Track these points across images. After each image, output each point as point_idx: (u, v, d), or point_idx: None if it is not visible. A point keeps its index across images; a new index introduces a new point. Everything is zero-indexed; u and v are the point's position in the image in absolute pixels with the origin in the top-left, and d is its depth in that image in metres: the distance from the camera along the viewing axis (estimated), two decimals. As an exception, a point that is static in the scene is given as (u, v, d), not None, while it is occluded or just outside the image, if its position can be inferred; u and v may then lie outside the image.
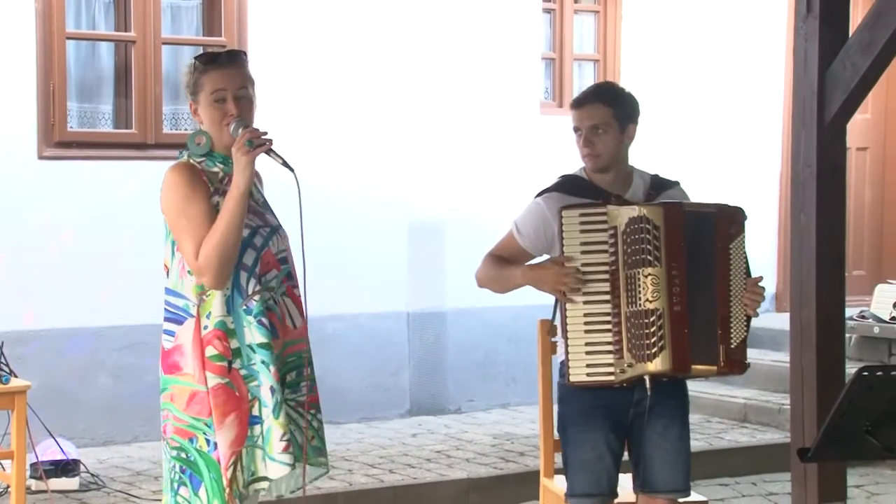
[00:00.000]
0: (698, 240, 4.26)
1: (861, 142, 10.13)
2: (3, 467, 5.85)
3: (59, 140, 7.09)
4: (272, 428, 3.80)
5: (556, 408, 4.63)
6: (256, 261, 3.85)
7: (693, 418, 7.87)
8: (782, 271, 9.32)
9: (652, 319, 4.13)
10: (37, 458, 5.93)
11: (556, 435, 4.75)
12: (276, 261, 3.94)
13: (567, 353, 4.24)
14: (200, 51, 7.61)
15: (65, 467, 6.07)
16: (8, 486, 5.77)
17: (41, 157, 7.04)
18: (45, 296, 6.92)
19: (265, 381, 3.80)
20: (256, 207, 3.96)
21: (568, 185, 4.42)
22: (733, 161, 9.26)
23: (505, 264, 4.42)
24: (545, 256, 4.46)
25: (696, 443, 7.49)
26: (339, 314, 7.84)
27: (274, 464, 3.82)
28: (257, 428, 3.82)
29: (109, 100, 7.47)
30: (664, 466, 4.34)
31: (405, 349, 8.22)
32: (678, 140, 9.11)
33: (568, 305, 4.21)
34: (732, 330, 4.30)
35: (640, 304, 4.14)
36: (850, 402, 3.68)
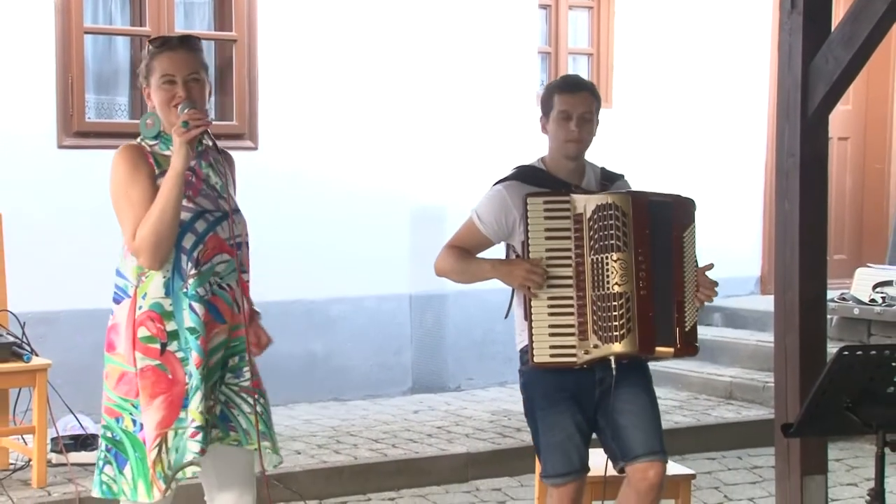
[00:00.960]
0: (659, 227, 4.26)
1: (842, 132, 10.13)
2: (25, 441, 5.88)
3: (77, 130, 7.10)
4: (189, 414, 3.70)
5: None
6: (196, 244, 3.74)
7: (681, 396, 7.93)
8: (767, 256, 9.34)
9: (620, 302, 4.13)
10: (57, 432, 5.95)
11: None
12: (229, 247, 3.81)
13: (531, 336, 4.21)
14: (213, 45, 7.63)
15: (84, 441, 6.08)
16: (30, 460, 5.79)
17: (60, 146, 7.05)
18: (64, 278, 6.93)
19: (191, 361, 3.70)
20: (208, 191, 3.84)
21: (527, 175, 4.40)
22: (721, 151, 9.27)
23: (469, 256, 4.40)
24: (502, 246, 4.44)
25: (685, 419, 7.53)
26: (345, 297, 7.85)
27: (186, 451, 3.70)
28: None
29: (125, 92, 7.47)
30: (638, 431, 4.29)
31: (407, 330, 8.23)
32: (668, 131, 9.11)
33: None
34: (687, 314, 4.29)
35: (608, 288, 4.14)
36: (832, 380, 3.69)
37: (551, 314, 4.19)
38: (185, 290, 3.72)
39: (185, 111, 3.71)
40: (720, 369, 8.18)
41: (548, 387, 4.29)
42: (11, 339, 5.75)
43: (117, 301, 3.79)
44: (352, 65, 7.89)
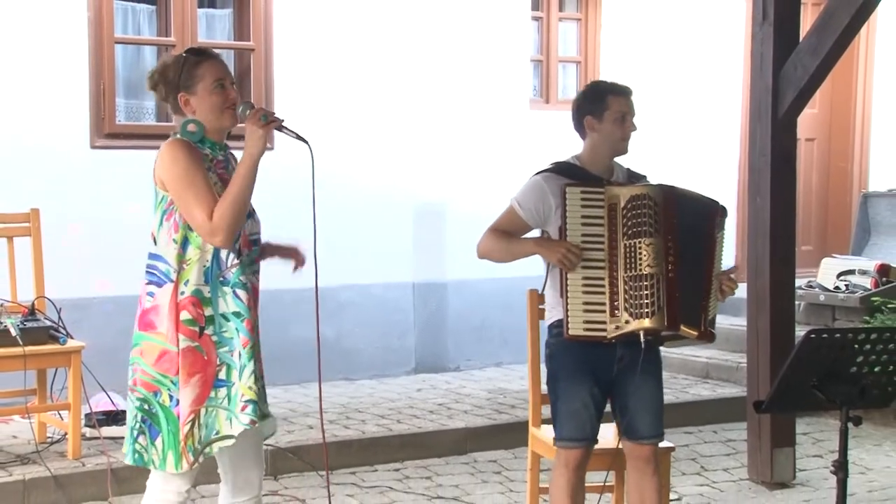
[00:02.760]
0: (690, 220, 4.29)
1: (809, 133, 10.14)
2: (61, 417, 5.89)
3: (108, 132, 7.09)
4: (239, 390, 3.68)
5: (542, 366, 4.63)
6: (238, 236, 3.72)
7: (662, 374, 7.91)
8: (741, 247, 9.33)
9: (651, 283, 4.15)
10: (90, 409, 5.96)
11: (543, 389, 4.78)
12: (249, 241, 3.81)
13: (567, 310, 4.22)
14: (232, 54, 7.62)
15: (115, 417, 6.08)
16: (66, 433, 5.80)
17: (93, 147, 7.04)
18: (96, 268, 6.93)
19: (237, 346, 3.69)
20: None
21: (563, 169, 4.43)
22: (698, 150, 9.26)
23: (511, 237, 4.42)
24: (536, 233, 4.47)
25: (665, 396, 7.49)
26: (353, 284, 7.85)
27: (237, 422, 3.69)
28: (223, 391, 3.70)
29: (152, 96, 7.34)
30: (644, 415, 4.38)
31: (411, 315, 8.23)
32: (650, 131, 9.07)
33: (568, 272, 4.23)
34: (711, 304, 4.33)
35: (639, 270, 4.16)
36: (799, 361, 3.69)
37: (585, 292, 4.21)
38: (222, 278, 3.70)
39: (251, 109, 3.71)
40: (697, 351, 8.18)
41: (571, 360, 4.33)
42: (49, 323, 5.76)
43: (158, 284, 3.72)
44: (360, 73, 7.89)
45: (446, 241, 8.24)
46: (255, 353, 3.74)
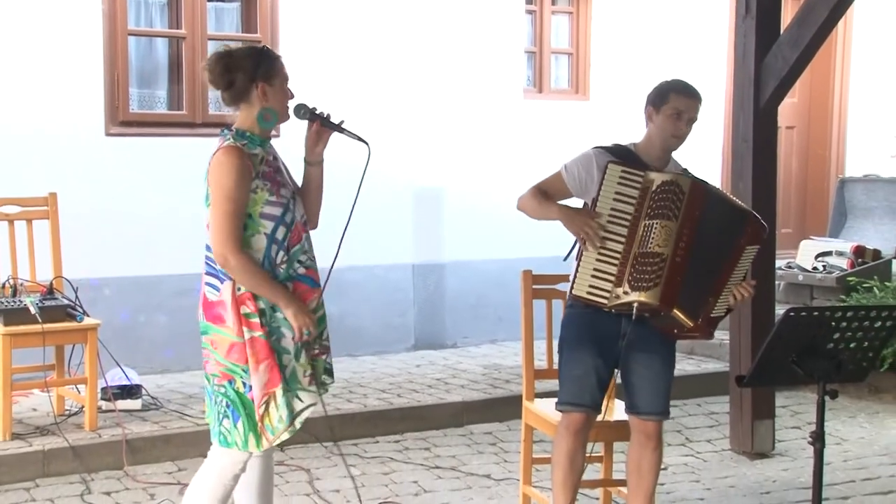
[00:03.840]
0: (716, 219, 4.25)
1: (789, 121, 10.13)
2: (78, 390, 5.89)
3: (122, 120, 7.07)
4: (296, 369, 3.82)
5: (535, 342, 4.64)
6: (286, 235, 3.81)
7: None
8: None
9: (656, 261, 4.15)
10: (106, 383, 5.97)
11: (536, 365, 4.78)
12: (302, 225, 3.91)
13: (577, 271, 4.23)
14: (240, 45, 7.58)
15: (129, 391, 6.09)
16: (83, 406, 5.81)
17: (108, 134, 7.02)
18: (111, 250, 6.93)
19: (287, 333, 3.78)
20: (285, 180, 3.90)
21: (617, 151, 4.44)
22: (683, 138, 9.25)
23: (546, 198, 4.41)
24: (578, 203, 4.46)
25: (671, 373, 7.51)
26: (356, 265, 7.82)
27: (305, 394, 3.85)
28: (283, 374, 3.81)
29: (164, 86, 7.44)
30: (645, 393, 4.37)
31: (410, 294, 8.23)
32: (638, 120, 9.07)
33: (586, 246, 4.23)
34: (717, 306, 4.30)
35: (649, 247, 4.16)
36: (779, 337, 3.70)
37: (598, 259, 4.22)
38: (272, 274, 3.77)
39: (305, 109, 3.93)
40: (682, 328, 8.19)
41: (577, 330, 4.35)
42: (66, 302, 5.76)
43: (219, 279, 3.78)
44: (362, 64, 7.87)
45: (444, 224, 8.24)
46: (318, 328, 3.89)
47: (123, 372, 6.15)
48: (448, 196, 8.23)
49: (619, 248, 4.20)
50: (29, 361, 5.90)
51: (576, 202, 4.45)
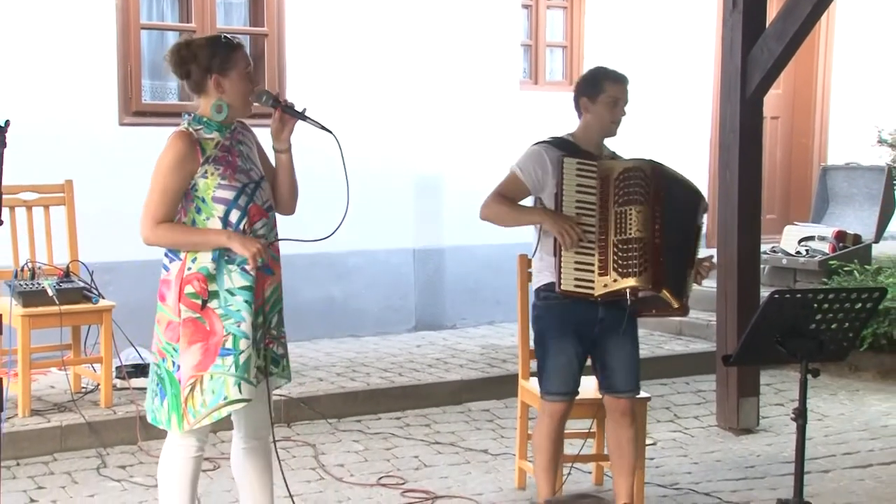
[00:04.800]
0: (676, 197, 4.26)
1: (774, 112, 10.12)
2: (94, 369, 5.90)
3: (135, 110, 7.06)
4: (251, 357, 3.66)
5: (530, 326, 4.64)
6: (241, 218, 3.67)
7: (639, 332, 7.92)
8: (711, 215, 9.30)
9: (639, 246, 4.15)
10: (121, 362, 5.97)
11: (531, 345, 4.79)
12: (264, 211, 3.76)
13: (560, 269, 4.20)
14: (248, 39, 7.58)
15: (142, 369, 6.09)
16: (98, 384, 5.82)
17: (121, 124, 7.01)
18: (125, 234, 6.87)
19: (247, 318, 3.64)
20: (243, 166, 3.73)
21: (559, 143, 4.41)
22: (673, 127, 9.23)
23: (515, 204, 4.38)
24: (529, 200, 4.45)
25: (641, 352, 7.41)
26: (359, 250, 7.85)
27: (248, 387, 3.66)
28: (229, 359, 3.64)
29: (175, 78, 7.39)
30: (621, 373, 4.40)
31: (411, 278, 8.23)
32: (629, 110, 9.06)
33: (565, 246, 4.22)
34: (688, 284, 4.32)
35: (629, 234, 4.15)
36: (764, 318, 3.70)
37: (577, 253, 4.20)
38: (227, 257, 3.65)
39: (266, 95, 3.74)
40: (671, 310, 8.20)
41: (557, 321, 4.33)
42: (82, 284, 5.76)
43: (171, 260, 3.73)
44: (364, 57, 7.85)
45: (444, 210, 8.24)
46: (269, 317, 3.76)
47: (137, 351, 6.16)
48: (447, 183, 8.22)
49: (593, 237, 4.19)
50: (47, 341, 5.91)
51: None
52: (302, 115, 3.77)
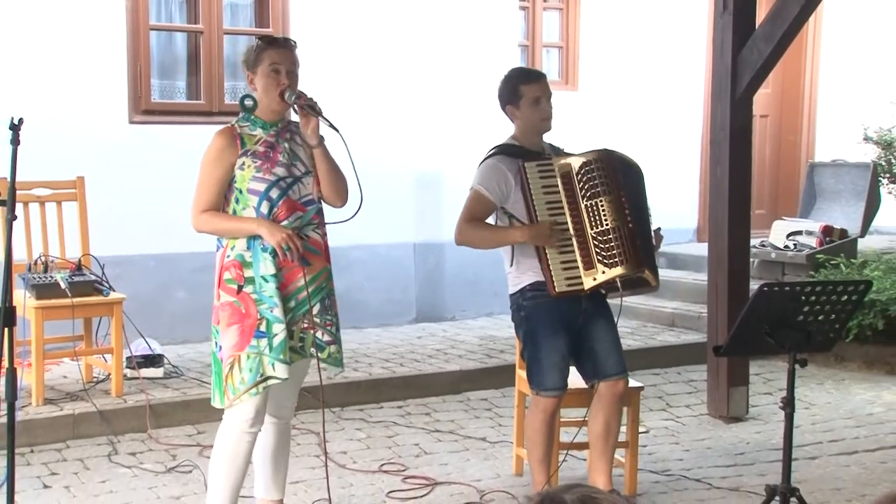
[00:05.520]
0: (630, 178, 4.28)
1: (763, 111, 10.11)
2: (105, 359, 5.91)
3: (144, 109, 7.06)
4: (284, 340, 3.75)
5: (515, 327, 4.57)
6: (271, 209, 3.77)
7: (632, 324, 7.95)
8: (703, 210, 9.34)
9: (616, 235, 4.14)
10: (131, 352, 5.98)
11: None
12: (301, 205, 3.85)
13: (550, 271, 4.19)
14: (254, 39, 7.57)
15: (152, 360, 6.10)
16: (109, 374, 5.82)
17: (131, 122, 7.01)
18: (135, 229, 6.93)
19: (278, 303, 3.73)
20: (285, 161, 3.83)
21: (508, 150, 4.39)
22: (665, 125, 9.24)
23: (489, 226, 4.35)
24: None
25: (634, 342, 7.56)
26: (362, 244, 7.84)
27: (282, 367, 3.76)
28: (263, 341, 3.74)
29: (183, 77, 7.42)
30: (610, 356, 4.37)
31: (412, 271, 8.23)
32: (624, 109, 9.07)
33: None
34: (656, 258, 4.35)
35: (604, 225, 4.15)
36: (753, 310, 3.71)
37: (560, 252, 4.20)
38: (262, 245, 3.75)
39: (296, 96, 3.80)
40: (664, 302, 8.21)
41: (548, 318, 4.29)
42: (93, 277, 5.76)
43: (217, 248, 3.86)
44: (367, 58, 7.85)
45: (443, 206, 8.22)
46: (300, 307, 3.82)
47: (147, 342, 6.17)
48: (447, 180, 8.22)
49: (569, 234, 4.19)
50: (59, 333, 5.92)
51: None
52: (318, 113, 3.84)
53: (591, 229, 4.16)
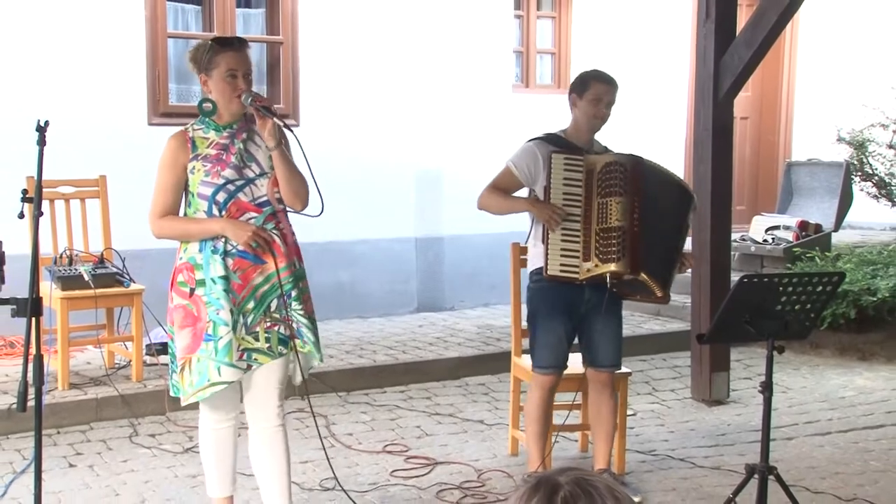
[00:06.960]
0: (656, 189, 4.24)
1: (744, 113, 10.12)
2: (126, 347, 5.91)
3: (162, 111, 7.06)
4: (231, 342, 3.54)
5: (523, 306, 4.65)
6: (220, 213, 3.57)
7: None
8: (686, 207, 9.33)
9: (618, 234, 4.14)
10: (150, 340, 5.99)
11: (523, 325, 4.80)
12: (254, 206, 3.61)
13: (547, 255, 4.22)
14: (265, 46, 7.58)
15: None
16: (130, 360, 5.83)
17: (150, 124, 7.01)
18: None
19: (225, 305, 3.54)
20: (236, 163, 3.60)
21: (552, 139, 4.42)
22: (652, 126, 9.22)
23: (507, 194, 4.39)
24: (524, 191, 4.45)
25: (623, 331, 7.52)
26: (366, 239, 7.86)
27: (229, 370, 3.56)
28: (210, 344, 3.55)
29: (198, 82, 7.40)
30: (605, 348, 4.40)
31: (413, 264, 8.24)
32: (613, 111, 9.04)
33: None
34: (673, 276, 4.32)
35: (609, 223, 4.16)
36: (734, 300, 3.71)
37: (563, 240, 4.21)
38: (213, 247, 3.59)
39: (252, 97, 3.57)
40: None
41: (549, 301, 4.33)
42: (115, 270, 5.77)
43: (175, 251, 3.74)
44: (371, 62, 7.84)
45: (443, 202, 8.24)
46: (259, 307, 3.62)
47: (165, 331, 6.13)
48: (446, 177, 8.23)
49: (578, 226, 4.20)
50: (83, 321, 5.93)
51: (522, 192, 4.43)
52: (273, 114, 3.59)
53: (597, 224, 4.17)
